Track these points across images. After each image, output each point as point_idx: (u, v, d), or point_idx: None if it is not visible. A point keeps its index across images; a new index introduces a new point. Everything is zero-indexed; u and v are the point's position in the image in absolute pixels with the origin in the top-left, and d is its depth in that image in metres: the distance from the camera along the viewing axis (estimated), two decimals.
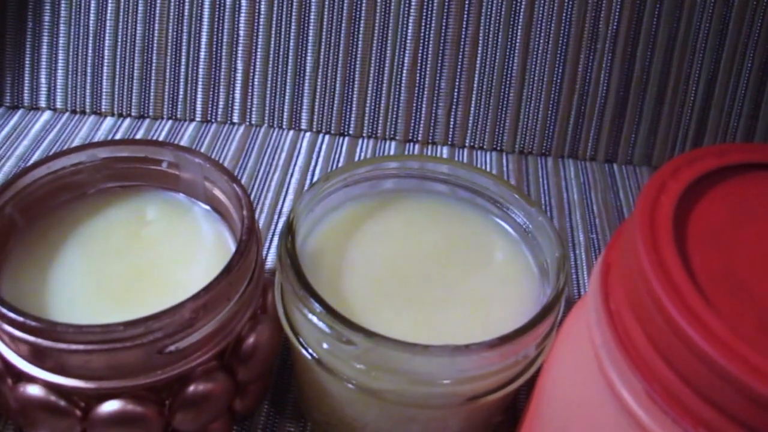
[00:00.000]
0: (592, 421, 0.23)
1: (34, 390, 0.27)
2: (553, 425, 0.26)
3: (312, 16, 0.49)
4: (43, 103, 0.50)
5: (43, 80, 0.50)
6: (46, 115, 0.50)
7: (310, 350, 0.29)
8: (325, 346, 0.28)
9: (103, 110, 0.50)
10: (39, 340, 0.26)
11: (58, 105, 0.50)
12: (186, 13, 0.49)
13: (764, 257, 0.23)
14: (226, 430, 0.32)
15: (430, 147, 0.50)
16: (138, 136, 0.49)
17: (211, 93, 0.50)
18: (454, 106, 0.49)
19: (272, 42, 0.49)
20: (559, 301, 0.28)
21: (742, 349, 0.19)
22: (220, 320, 0.28)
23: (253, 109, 0.50)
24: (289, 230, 0.30)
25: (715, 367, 0.19)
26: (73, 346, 0.26)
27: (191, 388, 0.29)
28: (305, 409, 0.34)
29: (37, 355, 0.27)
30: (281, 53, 0.49)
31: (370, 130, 0.50)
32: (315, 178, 0.47)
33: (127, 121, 0.50)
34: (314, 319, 0.27)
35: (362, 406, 0.30)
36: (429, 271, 0.32)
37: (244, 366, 0.30)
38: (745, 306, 0.21)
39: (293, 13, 0.48)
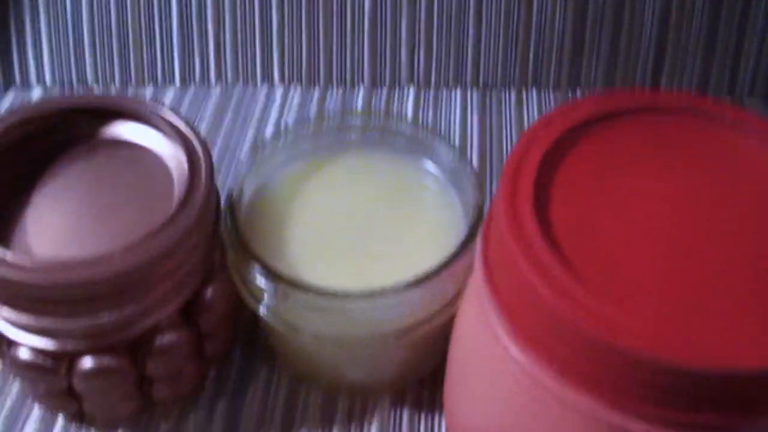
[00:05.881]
0: (480, 355, 0.26)
1: (24, 354, 0.32)
2: (457, 359, 0.29)
3: None
4: (33, 80, 0.54)
5: (30, 60, 0.53)
6: (39, 89, 0.54)
7: (258, 302, 0.32)
8: (267, 298, 0.32)
9: (89, 83, 0.54)
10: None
11: (47, 81, 0.53)
12: None
13: (621, 206, 0.24)
14: (199, 373, 0.36)
15: (397, 89, 0.52)
16: None
17: (186, 57, 0.53)
18: (416, 47, 0.51)
19: (238, 3, 0.51)
20: (472, 241, 0.31)
21: (578, 293, 0.21)
22: (178, 279, 0.32)
23: (228, 67, 0.53)
24: (231, 208, 0.33)
25: (555, 311, 0.21)
26: None
27: (157, 340, 0.32)
28: (272, 350, 0.38)
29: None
30: (248, 12, 0.51)
31: (338, 78, 0.52)
32: None
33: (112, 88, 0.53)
34: (255, 275, 0.31)
35: (314, 347, 0.34)
36: (365, 222, 0.35)
37: (205, 318, 0.34)
38: (594, 253, 0.22)
39: None
